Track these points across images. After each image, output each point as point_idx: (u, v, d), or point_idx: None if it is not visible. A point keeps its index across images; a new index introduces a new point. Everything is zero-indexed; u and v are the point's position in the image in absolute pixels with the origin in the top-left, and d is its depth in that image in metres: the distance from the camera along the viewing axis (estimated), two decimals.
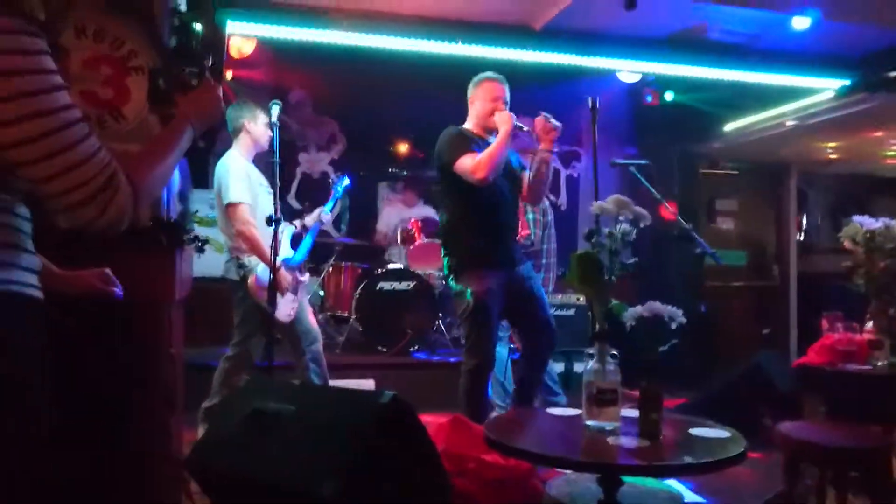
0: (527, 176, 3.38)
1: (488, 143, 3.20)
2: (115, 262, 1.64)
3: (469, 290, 3.14)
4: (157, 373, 1.83)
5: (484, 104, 3.31)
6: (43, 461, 1.14)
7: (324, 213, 3.93)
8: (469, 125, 3.38)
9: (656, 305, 1.77)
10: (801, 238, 7.64)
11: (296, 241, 3.83)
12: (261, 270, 3.49)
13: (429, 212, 6.14)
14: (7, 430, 1.09)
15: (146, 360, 1.80)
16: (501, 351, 3.98)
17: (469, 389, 3.16)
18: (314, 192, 6.58)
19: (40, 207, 1.26)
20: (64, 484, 1.23)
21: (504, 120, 3.16)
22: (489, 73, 3.39)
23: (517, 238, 3.54)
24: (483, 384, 3.19)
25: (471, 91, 3.40)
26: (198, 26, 2.18)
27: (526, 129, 3.22)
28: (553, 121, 3.20)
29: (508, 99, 3.33)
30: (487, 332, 3.15)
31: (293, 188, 6.71)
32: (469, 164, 3.12)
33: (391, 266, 5.57)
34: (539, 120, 3.19)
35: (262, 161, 3.74)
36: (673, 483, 2.81)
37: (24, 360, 1.11)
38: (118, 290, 1.57)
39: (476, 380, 3.16)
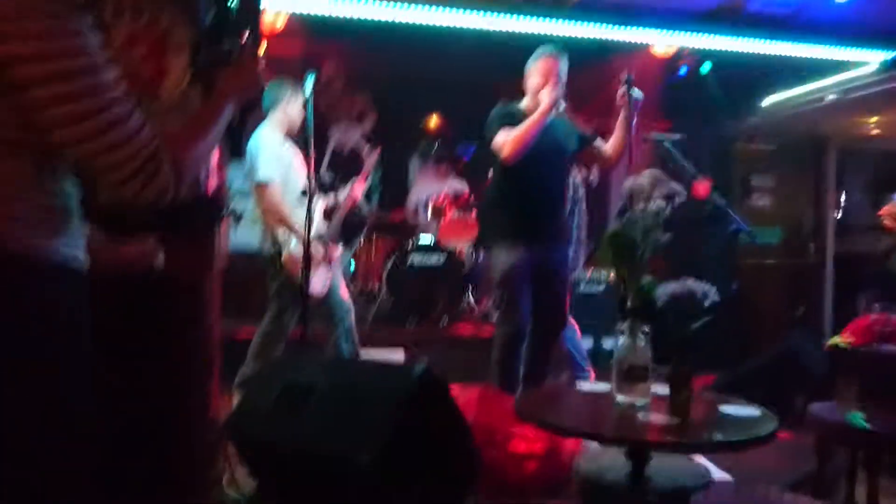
0: (597, 146, 3.36)
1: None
2: (153, 235, 1.68)
3: (497, 264, 3.17)
4: (197, 343, 1.88)
5: (535, 80, 3.26)
6: (94, 424, 1.19)
7: (356, 189, 3.96)
8: (524, 102, 3.35)
9: (689, 283, 1.76)
10: (839, 216, 7.48)
11: (329, 215, 3.87)
12: (294, 245, 3.54)
13: (459, 185, 6.13)
14: (57, 394, 1.14)
15: (185, 331, 1.85)
16: None
17: (499, 361, 3.21)
18: (345, 166, 6.62)
19: (84, 182, 1.31)
20: (103, 450, 1.27)
21: (544, 98, 3.12)
22: (545, 49, 3.32)
23: (558, 214, 3.47)
24: (513, 356, 3.22)
25: (528, 65, 3.34)
26: (234, 2, 2.19)
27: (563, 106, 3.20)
28: (634, 92, 3.18)
29: (564, 74, 3.26)
30: (515, 305, 3.19)
31: (324, 163, 6.75)
32: (500, 140, 3.14)
33: (422, 240, 5.59)
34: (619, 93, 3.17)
35: (296, 134, 3.77)
36: (701, 459, 2.81)
37: (68, 328, 1.16)
38: (159, 261, 1.61)
39: (506, 352, 3.20)
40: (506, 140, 3.12)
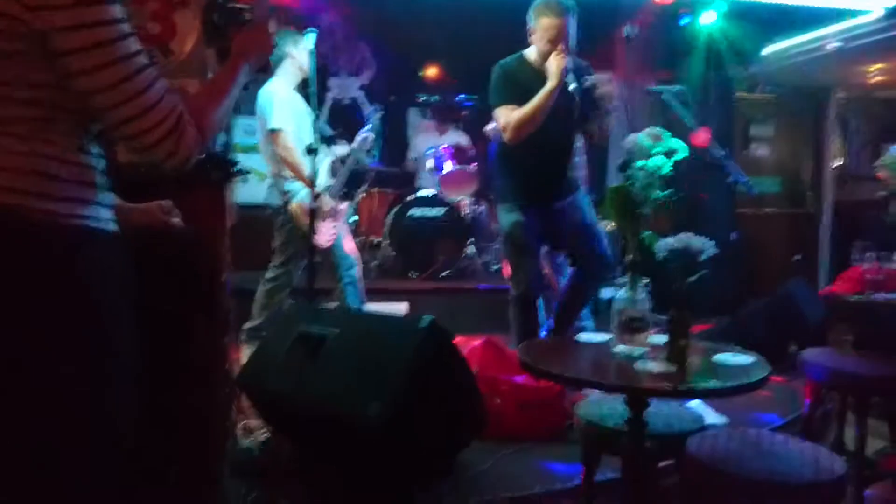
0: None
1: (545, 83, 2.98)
2: (169, 196, 1.73)
3: (503, 223, 3.23)
4: (215, 300, 1.95)
5: (540, 45, 3.03)
6: (128, 391, 1.27)
7: (360, 147, 3.98)
8: (531, 55, 3.14)
9: (688, 237, 1.82)
10: (839, 165, 7.49)
11: (334, 170, 3.91)
12: (303, 195, 3.59)
13: (460, 138, 6.13)
14: (97, 362, 1.21)
15: (205, 288, 1.92)
16: None
17: (514, 317, 3.30)
18: (345, 117, 6.60)
19: (103, 143, 1.36)
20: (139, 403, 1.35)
21: (553, 72, 2.91)
22: (546, 5, 3.02)
23: (566, 169, 3.34)
24: (527, 311, 3.28)
25: (530, 20, 3.08)
26: None
27: (573, 86, 2.95)
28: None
29: (572, 32, 3.00)
30: (524, 263, 3.24)
31: (324, 113, 6.73)
32: (502, 119, 3.04)
33: (422, 193, 5.63)
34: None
35: (298, 90, 3.77)
36: (698, 404, 2.92)
37: (102, 290, 1.22)
38: (179, 220, 1.67)
39: (519, 308, 3.28)
40: (508, 122, 2.99)
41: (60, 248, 1.17)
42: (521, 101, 3.00)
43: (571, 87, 2.96)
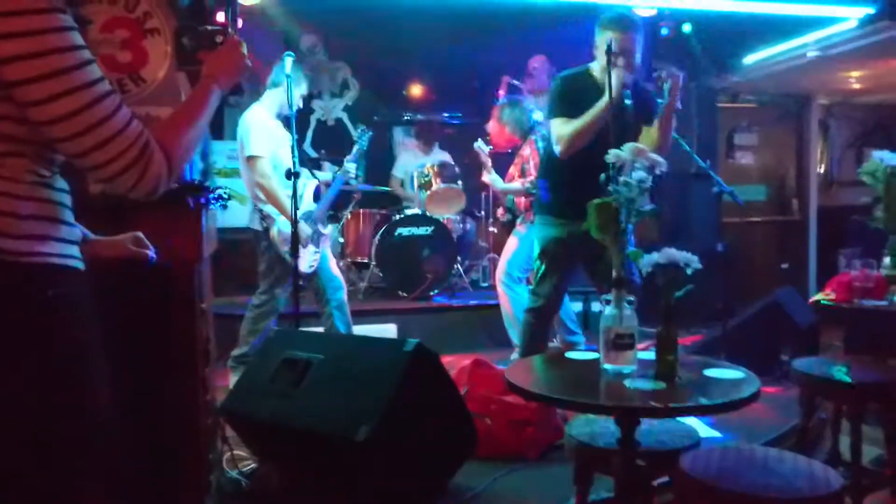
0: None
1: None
2: (144, 225, 1.70)
3: (540, 236, 3.26)
4: (191, 329, 1.91)
5: (602, 58, 2.92)
6: (101, 425, 1.23)
7: (348, 169, 3.96)
8: (595, 69, 3.08)
9: (671, 252, 1.80)
10: (822, 171, 7.54)
11: (317, 194, 3.88)
12: (283, 222, 3.56)
13: (445, 157, 6.12)
14: (72, 396, 1.17)
15: (181, 317, 1.88)
16: None
17: (525, 329, 3.32)
18: (330, 140, 6.59)
19: (73, 177, 1.32)
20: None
21: (611, 86, 2.81)
22: (611, 20, 2.96)
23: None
24: (540, 326, 3.30)
25: (597, 32, 3.00)
26: None
27: (629, 102, 2.89)
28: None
29: (635, 48, 2.91)
30: (549, 277, 3.23)
31: (308, 136, 6.72)
32: (555, 131, 3.01)
33: (409, 212, 5.61)
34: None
35: (279, 115, 3.76)
36: (690, 420, 2.89)
37: (70, 329, 1.19)
38: (152, 253, 1.63)
39: (532, 321, 3.29)
40: (561, 134, 2.97)
41: (22, 286, 1.13)
42: (577, 115, 2.97)
43: (627, 102, 2.93)
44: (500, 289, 4.30)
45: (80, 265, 1.24)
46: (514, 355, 3.78)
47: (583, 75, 3.13)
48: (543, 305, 3.27)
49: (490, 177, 4.61)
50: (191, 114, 1.35)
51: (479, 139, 4.73)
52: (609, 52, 2.81)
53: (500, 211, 4.89)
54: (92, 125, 1.14)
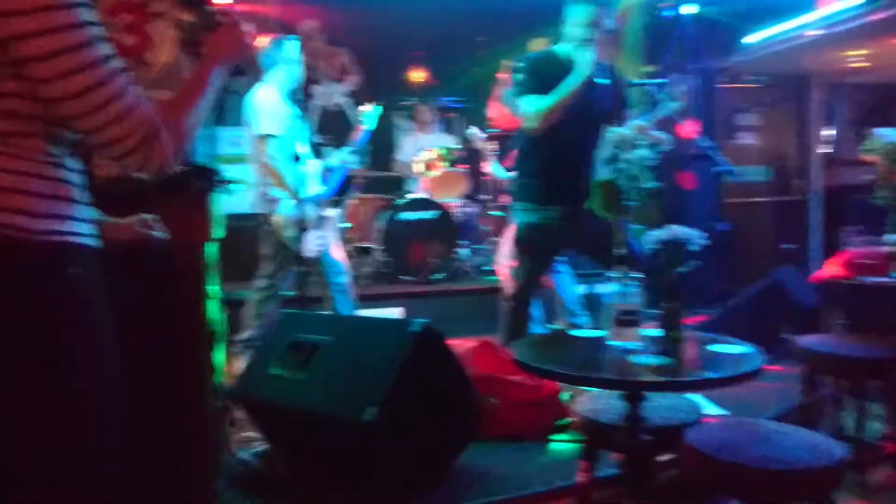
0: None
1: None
2: (151, 209, 1.71)
3: (520, 221, 3.24)
4: (198, 313, 1.93)
5: (572, 30, 2.97)
6: (111, 406, 1.25)
7: (354, 153, 3.97)
8: (560, 50, 3.09)
9: (675, 229, 1.81)
10: (823, 150, 7.52)
11: (325, 177, 3.89)
12: (287, 205, 3.57)
13: (446, 140, 6.12)
14: (79, 379, 1.19)
15: (188, 301, 1.90)
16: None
17: (507, 313, 3.31)
18: (332, 125, 6.58)
19: (83, 156, 1.33)
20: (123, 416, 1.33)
21: (582, 64, 2.87)
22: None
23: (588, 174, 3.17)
24: (520, 310, 3.28)
25: (566, 9, 3.03)
26: None
27: (601, 80, 2.90)
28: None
29: (608, 25, 2.97)
30: (529, 262, 3.24)
31: (313, 121, 6.71)
32: (525, 107, 3.00)
33: (411, 196, 5.61)
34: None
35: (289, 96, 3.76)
36: (695, 396, 2.92)
37: (89, 308, 1.20)
38: (161, 234, 1.64)
39: (513, 305, 3.28)
40: (531, 110, 2.96)
41: (43, 265, 1.15)
42: (545, 93, 2.97)
43: (598, 80, 2.93)
44: (502, 272, 4.33)
45: (97, 244, 1.26)
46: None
47: (549, 56, 3.13)
48: (521, 291, 3.25)
49: (491, 167, 4.63)
50: (194, 94, 1.36)
51: (472, 127, 4.73)
52: (587, 24, 2.89)
53: (503, 197, 4.90)
54: (102, 103, 1.15)
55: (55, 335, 1.16)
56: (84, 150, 1.30)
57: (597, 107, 3.01)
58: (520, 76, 3.10)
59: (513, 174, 4.78)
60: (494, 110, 4.60)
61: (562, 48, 3.11)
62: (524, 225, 3.19)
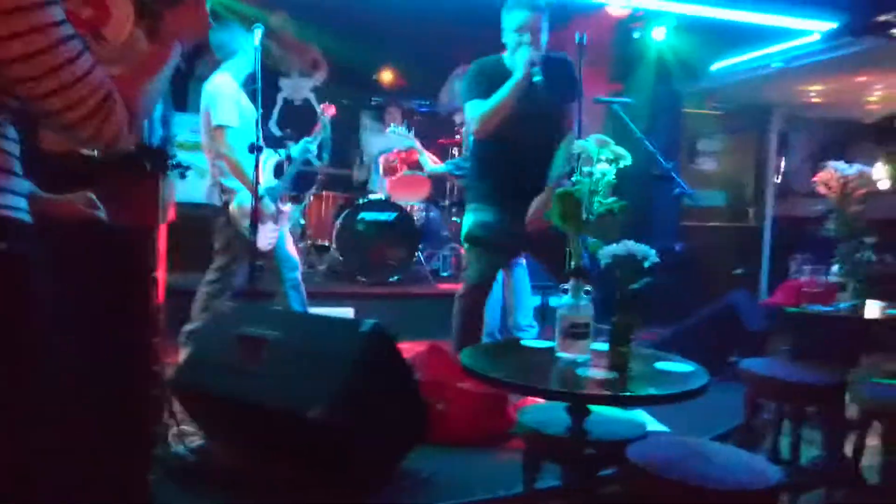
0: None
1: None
2: (100, 187, 1.65)
3: (471, 221, 3.20)
4: (141, 296, 1.87)
5: (509, 36, 3.01)
6: (50, 381, 1.19)
7: (310, 144, 3.91)
8: (507, 57, 3.11)
9: (630, 244, 1.82)
10: (780, 180, 7.72)
11: (278, 170, 3.82)
12: (242, 197, 3.50)
13: (411, 142, 6.09)
14: (21, 351, 1.13)
15: (131, 284, 1.83)
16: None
17: (457, 315, 3.25)
18: (296, 119, 6.51)
19: (26, 132, 1.27)
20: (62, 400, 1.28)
21: (519, 66, 2.90)
22: (516, 0, 3.02)
23: (543, 169, 3.15)
24: (469, 312, 3.23)
25: (503, 16, 3.05)
26: None
27: (538, 78, 2.89)
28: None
29: (542, 27, 2.96)
30: (477, 262, 3.20)
31: (274, 114, 6.63)
32: (470, 111, 3.02)
33: (372, 196, 5.58)
34: None
35: (244, 87, 3.69)
36: (640, 412, 2.94)
37: (26, 282, 1.14)
38: (102, 213, 1.58)
39: (462, 307, 3.24)
40: (475, 115, 2.97)
41: None
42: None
43: (537, 78, 2.92)
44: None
45: (28, 218, 1.20)
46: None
47: (496, 62, 3.15)
48: (472, 291, 3.22)
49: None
50: (150, 69, 1.31)
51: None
52: (522, 29, 2.92)
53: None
54: (53, 68, 1.10)
55: None
56: (29, 120, 1.24)
57: (540, 107, 3.02)
58: (468, 79, 3.12)
59: (443, 166, 4.85)
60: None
61: (506, 57, 3.14)
62: (474, 224, 3.18)
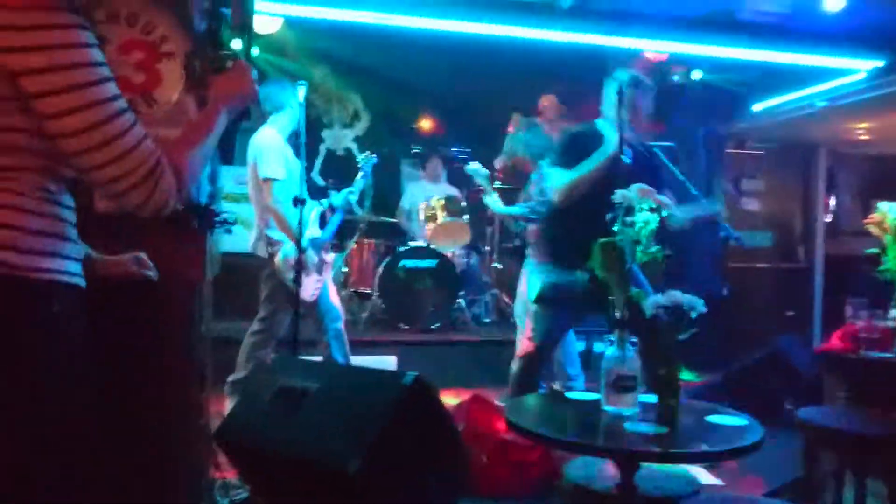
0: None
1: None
2: (149, 245, 1.69)
3: (533, 281, 3.19)
4: (189, 352, 1.89)
5: (607, 106, 3.05)
6: (86, 439, 1.21)
7: (352, 194, 3.96)
8: (602, 125, 3.13)
9: (676, 295, 1.78)
10: (829, 220, 7.53)
11: (323, 221, 3.88)
12: (288, 248, 3.56)
13: (452, 190, 6.14)
14: (54, 411, 1.16)
15: (178, 338, 1.86)
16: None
17: (515, 374, 3.17)
18: (338, 169, 6.63)
19: (80, 194, 1.32)
20: (99, 458, 1.29)
21: (608, 141, 2.90)
22: (619, 74, 3.06)
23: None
24: (529, 372, 3.17)
25: (607, 85, 3.10)
26: (228, 10, 2.20)
27: (628, 161, 2.86)
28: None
29: (642, 107, 3.02)
30: (545, 325, 3.15)
31: (317, 165, 6.77)
32: (554, 181, 3.03)
33: (413, 244, 5.60)
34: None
35: (289, 141, 3.78)
36: (691, 467, 2.84)
37: (72, 344, 1.17)
38: (153, 274, 1.62)
39: (523, 366, 3.17)
40: (559, 184, 3.00)
41: (29, 302, 1.13)
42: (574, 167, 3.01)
43: (625, 159, 2.90)
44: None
45: (83, 283, 1.24)
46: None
47: (590, 129, 3.16)
48: (536, 353, 3.16)
49: (488, 198, 4.62)
50: (198, 135, 1.36)
51: (474, 161, 4.77)
52: (619, 95, 2.88)
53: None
54: (106, 141, 1.15)
55: (38, 370, 1.14)
56: (83, 185, 1.29)
57: (620, 183, 2.98)
58: (558, 146, 3.15)
59: (517, 208, 4.79)
60: (500, 162, 4.65)
61: (601, 122, 3.16)
62: (547, 285, 3.15)
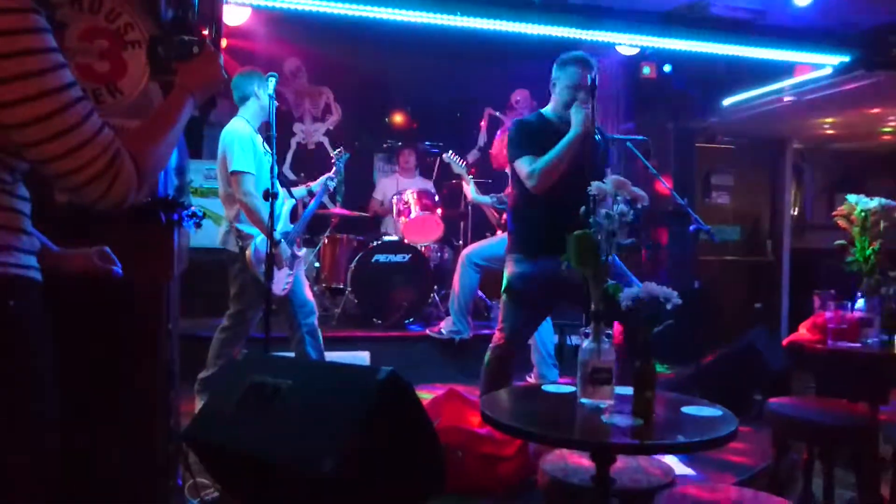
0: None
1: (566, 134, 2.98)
2: (114, 239, 1.64)
3: (507, 272, 3.16)
4: (156, 349, 1.84)
5: (563, 91, 3.07)
6: (50, 438, 1.16)
7: (331, 181, 3.96)
8: (550, 109, 3.17)
9: (652, 287, 1.78)
10: (796, 214, 7.66)
11: (294, 215, 3.83)
12: (259, 242, 3.50)
13: (424, 184, 6.12)
14: (16, 410, 1.11)
15: (145, 336, 1.81)
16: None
17: (487, 367, 3.15)
18: (309, 163, 6.56)
19: (39, 185, 1.27)
20: (66, 459, 1.25)
21: (578, 122, 2.93)
22: (574, 55, 3.09)
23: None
24: (502, 365, 3.15)
25: (554, 72, 3.13)
26: None
27: (597, 137, 2.93)
28: None
29: (593, 83, 2.97)
30: (514, 315, 3.14)
31: (288, 159, 6.69)
32: (525, 169, 3.02)
33: (386, 238, 5.57)
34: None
35: (259, 133, 3.72)
36: (666, 457, 2.86)
37: (28, 341, 1.13)
38: (117, 268, 1.57)
39: (494, 358, 3.15)
40: (533, 169, 2.98)
41: None
42: (540, 153, 3.00)
43: (597, 137, 2.95)
44: (458, 265, 4.69)
45: (39, 276, 1.18)
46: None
47: (540, 119, 3.18)
48: (506, 343, 3.15)
49: (468, 186, 4.81)
50: (163, 124, 1.30)
51: (450, 152, 4.95)
52: (579, 86, 2.96)
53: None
54: (61, 131, 1.10)
55: None
56: (40, 176, 1.24)
57: (590, 162, 2.99)
58: (516, 137, 3.13)
59: (487, 198, 4.94)
60: (497, 145, 4.73)
61: (549, 110, 3.17)
62: (517, 275, 3.14)
